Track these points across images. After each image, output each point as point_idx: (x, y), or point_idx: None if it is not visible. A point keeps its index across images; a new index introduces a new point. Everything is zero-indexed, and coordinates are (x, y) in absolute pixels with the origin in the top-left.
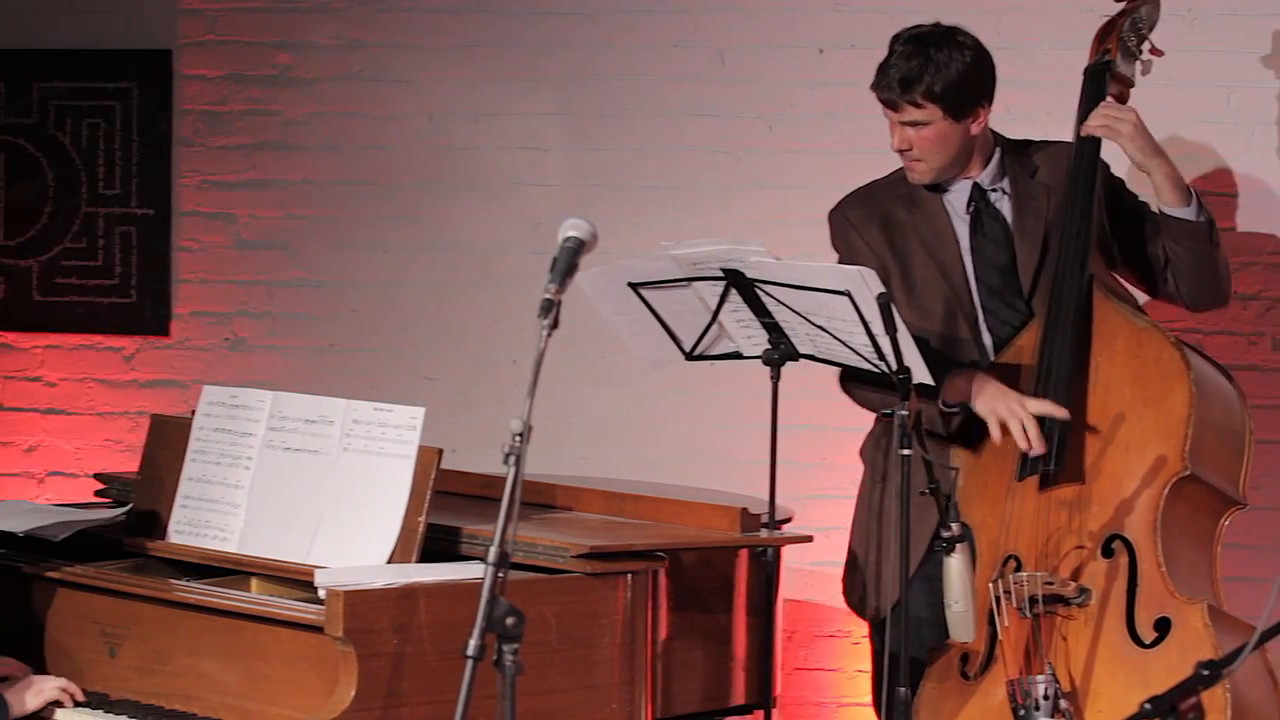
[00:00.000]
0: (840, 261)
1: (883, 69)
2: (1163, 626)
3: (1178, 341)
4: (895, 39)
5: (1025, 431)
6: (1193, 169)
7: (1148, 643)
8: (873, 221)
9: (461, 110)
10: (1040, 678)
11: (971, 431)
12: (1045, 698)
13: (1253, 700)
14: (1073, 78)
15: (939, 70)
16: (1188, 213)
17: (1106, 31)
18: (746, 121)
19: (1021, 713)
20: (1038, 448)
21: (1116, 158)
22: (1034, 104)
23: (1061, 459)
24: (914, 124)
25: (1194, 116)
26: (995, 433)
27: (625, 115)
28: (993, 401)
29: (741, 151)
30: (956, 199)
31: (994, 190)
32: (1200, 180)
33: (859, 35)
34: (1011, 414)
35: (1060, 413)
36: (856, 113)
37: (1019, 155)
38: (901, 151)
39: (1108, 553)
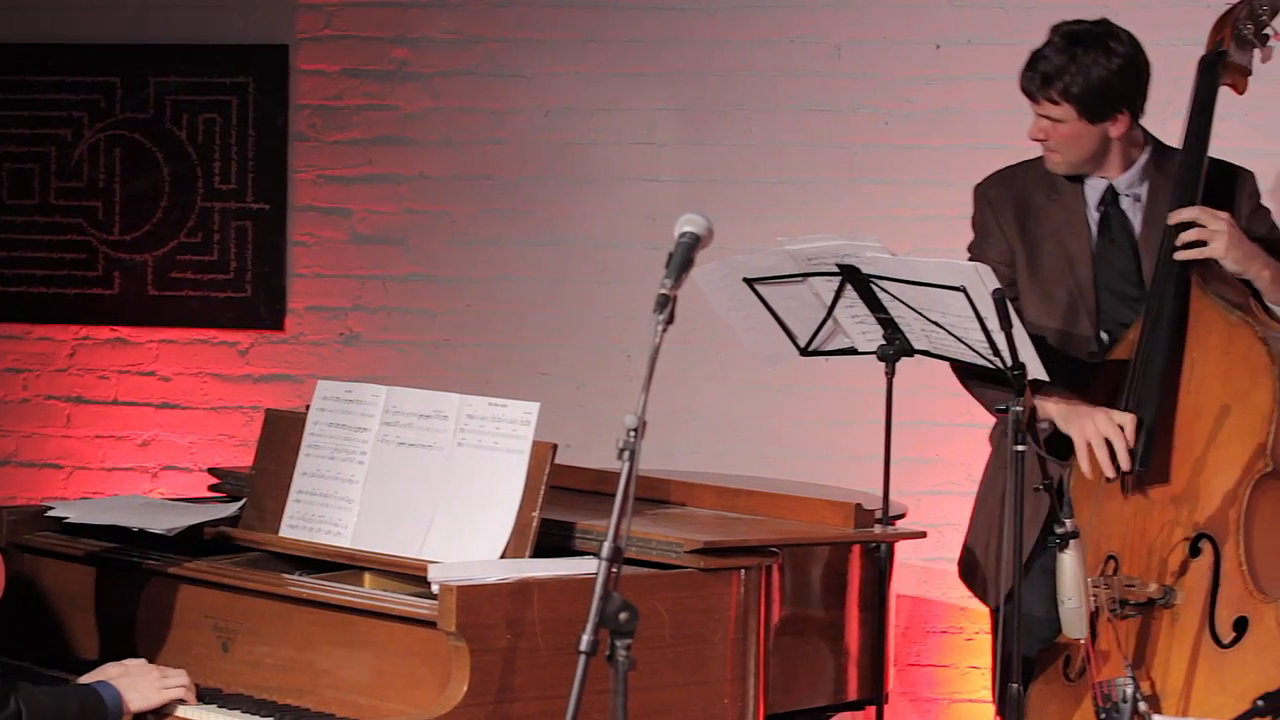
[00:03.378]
0: (974, 240)
1: (1032, 59)
2: (1240, 626)
3: (1268, 336)
4: (1054, 29)
5: (1112, 448)
6: None
7: (1226, 643)
8: (1008, 204)
9: (577, 105)
10: (1121, 680)
11: (1063, 440)
12: (1124, 700)
13: None
14: (1187, 72)
15: (1081, 71)
16: None
17: (1223, 21)
18: (862, 116)
19: (1103, 716)
20: (1124, 465)
21: (1262, 160)
22: (1152, 99)
23: (1149, 460)
24: (1050, 118)
25: None
26: (1084, 463)
27: (741, 110)
28: (1077, 423)
29: (857, 147)
30: (1092, 196)
31: (1128, 195)
32: None
33: (975, 31)
34: (1096, 434)
35: (1132, 438)
36: (973, 108)
37: (1167, 166)
38: (1038, 140)
39: (1195, 551)
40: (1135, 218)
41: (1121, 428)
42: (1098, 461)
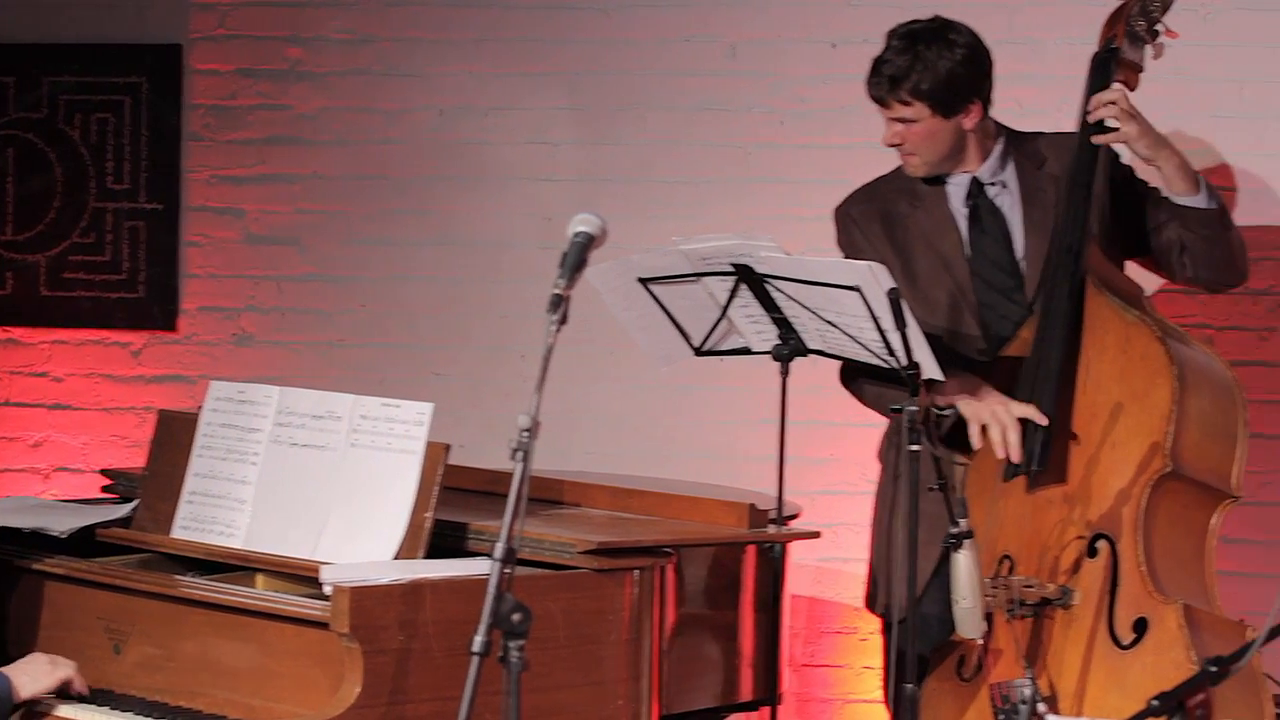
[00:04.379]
0: (845, 258)
1: (875, 65)
2: (1140, 627)
3: (1165, 335)
4: (890, 34)
5: (1005, 437)
6: (1202, 164)
7: (1126, 644)
8: (874, 217)
9: (472, 105)
10: (1020, 681)
11: (964, 433)
12: (1023, 702)
13: (1229, 701)
14: (1083, 73)
15: (927, 67)
16: (1199, 200)
17: (1116, 17)
18: (758, 116)
19: (1001, 717)
20: (1015, 455)
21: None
22: (1047, 99)
23: (1046, 459)
24: (904, 120)
25: (1205, 111)
26: (975, 437)
27: (636, 110)
28: (975, 405)
29: (753, 146)
30: (956, 193)
31: (993, 184)
32: (1210, 175)
33: (871, 30)
34: (994, 418)
35: (1040, 419)
36: (868, 107)
37: (1025, 147)
38: (894, 146)
39: (1093, 552)
40: (1005, 204)
41: (1021, 420)
42: (990, 441)
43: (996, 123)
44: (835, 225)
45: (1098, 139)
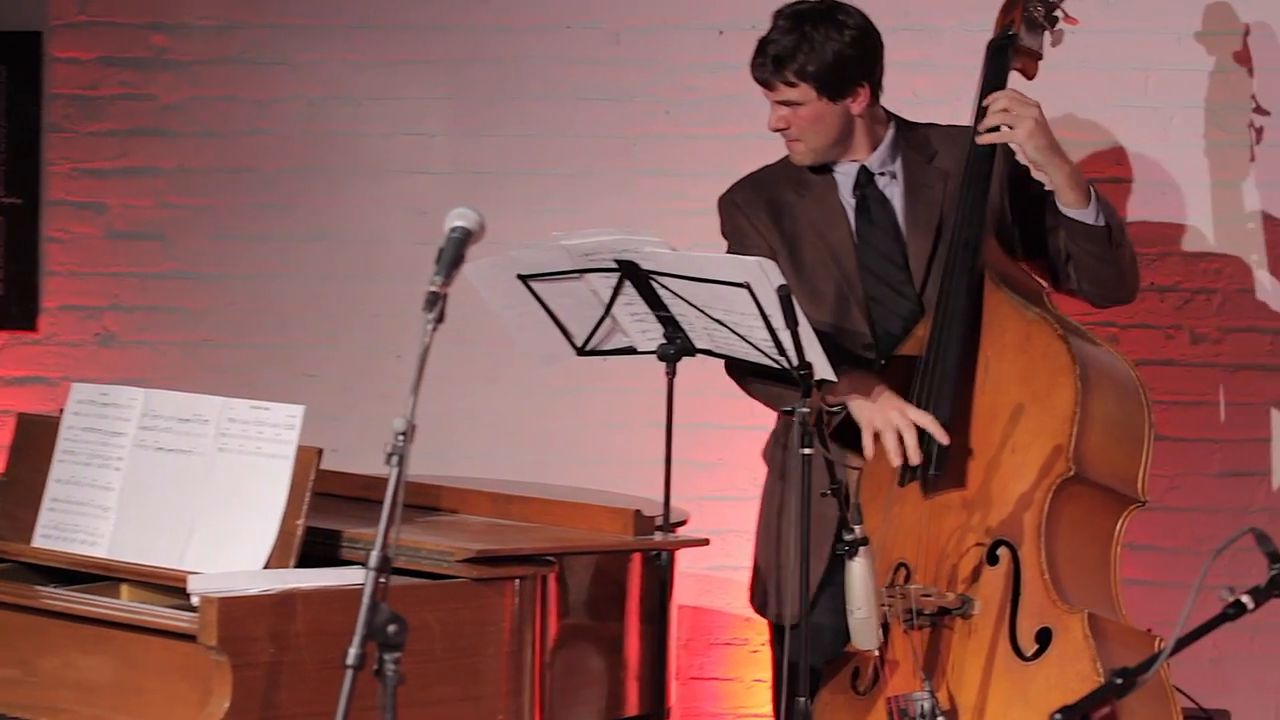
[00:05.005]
0: (730, 249)
1: (760, 46)
2: (1044, 638)
3: (1067, 333)
4: (777, 15)
5: (901, 441)
6: (1107, 156)
7: (1029, 655)
8: (760, 205)
9: (344, 94)
10: (918, 694)
11: (855, 431)
12: (922, 715)
13: (1136, 714)
14: (981, 60)
15: (814, 49)
16: (1087, 214)
17: (1012, 2)
18: (642, 105)
19: None
20: (913, 457)
21: None
22: (944, 87)
23: (943, 464)
24: (789, 103)
25: (1110, 100)
26: (868, 444)
27: (516, 99)
28: (869, 409)
29: (637, 137)
30: (844, 182)
31: (883, 174)
32: (1114, 168)
33: (760, 15)
34: (887, 423)
35: (941, 436)
36: (757, 96)
37: (916, 139)
38: (779, 131)
39: (993, 560)
40: (894, 195)
41: (915, 425)
42: (886, 449)
43: (887, 111)
44: (719, 214)
45: (984, 139)
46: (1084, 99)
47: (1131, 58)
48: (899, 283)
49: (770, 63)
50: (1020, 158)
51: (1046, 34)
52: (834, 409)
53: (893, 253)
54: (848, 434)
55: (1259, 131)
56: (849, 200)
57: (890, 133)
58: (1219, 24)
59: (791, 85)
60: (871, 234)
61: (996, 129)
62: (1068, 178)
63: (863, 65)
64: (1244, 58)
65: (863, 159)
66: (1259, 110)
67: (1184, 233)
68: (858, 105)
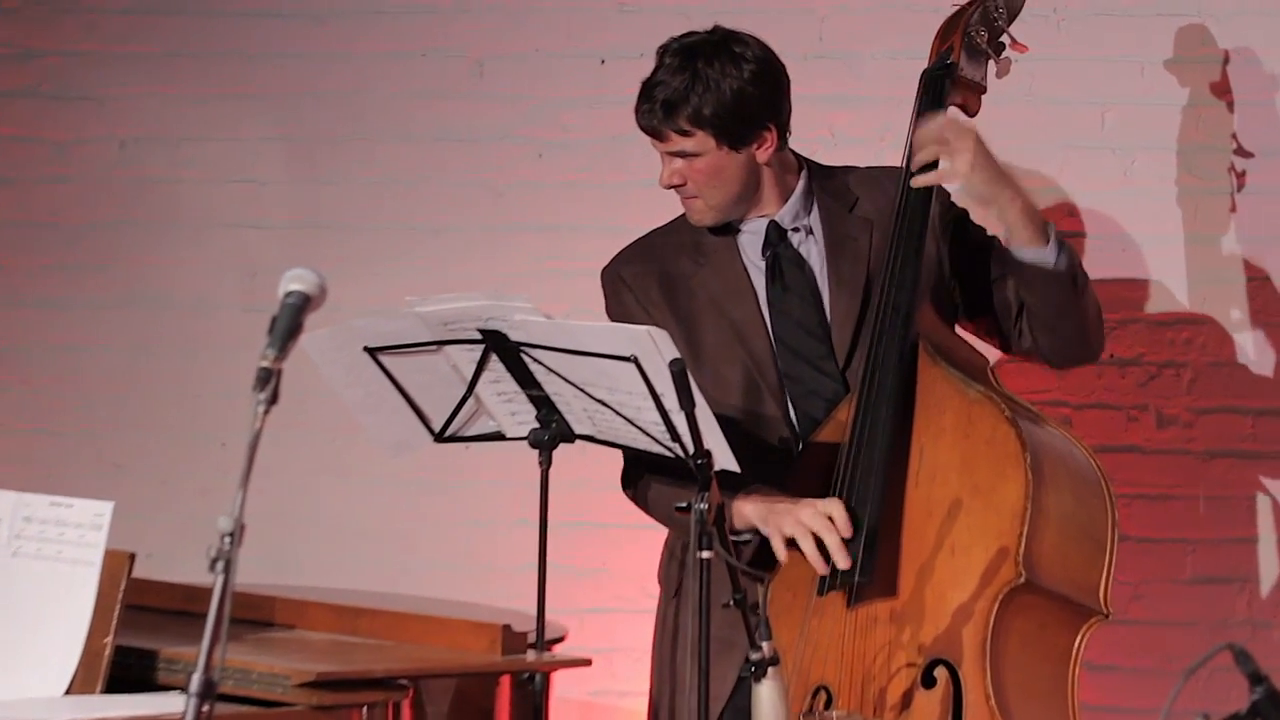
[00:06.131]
0: None
1: (645, 89)
2: None
3: (1016, 415)
4: (662, 51)
5: (820, 544)
6: (1059, 208)
7: None
8: (651, 279)
9: (160, 134)
10: None
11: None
12: None
13: None
14: (912, 92)
15: (709, 89)
16: (1045, 255)
17: (951, 26)
18: (511, 147)
19: None
20: (840, 560)
21: None
22: (866, 124)
23: (870, 568)
24: (683, 154)
25: (1059, 139)
26: (780, 551)
27: (361, 140)
28: (777, 516)
29: (504, 185)
30: (751, 243)
31: (796, 230)
32: (1066, 220)
33: (647, 43)
34: (798, 526)
35: (844, 527)
36: (646, 137)
37: (833, 185)
38: (674, 188)
39: (929, 682)
40: (811, 253)
41: (830, 518)
42: (806, 554)
43: (798, 155)
44: (603, 288)
45: (920, 180)
46: (1029, 138)
47: (1086, 90)
48: (819, 357)
49: (659, 109)
50: (958, 198)
51: (991, 63)
52: (743, 538)
53: (810, 322)
54: (765, 560)
55: (1240, 176)
56: (757, 263)
57: (802, 181)
58: (1192, 50)
59: (685, 134)
60: (785, 301)
61: (934, 165)
62: (1021, 213)
63: (767, 105)
64: (1222, 89)
65: (772, 214)
66: (1240, 152)
67: (1148, 296)
68: (764, 152)
